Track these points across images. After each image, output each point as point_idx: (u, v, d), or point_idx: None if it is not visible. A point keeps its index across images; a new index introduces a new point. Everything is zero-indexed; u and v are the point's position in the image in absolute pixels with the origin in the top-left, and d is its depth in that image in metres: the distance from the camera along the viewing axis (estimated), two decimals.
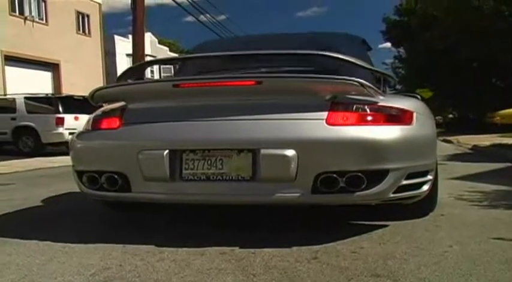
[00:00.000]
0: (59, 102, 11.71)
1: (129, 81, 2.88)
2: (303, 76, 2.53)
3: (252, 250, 2.42)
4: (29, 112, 11.76)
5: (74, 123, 11.69)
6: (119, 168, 2.59)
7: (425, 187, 2.78)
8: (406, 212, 3.02)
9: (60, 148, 12.13)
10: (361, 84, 2.46)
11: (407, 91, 28.71)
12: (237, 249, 2.46)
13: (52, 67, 21.74)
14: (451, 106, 31.00)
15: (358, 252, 2.36)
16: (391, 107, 2.61)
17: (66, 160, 10.47)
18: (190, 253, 2.41)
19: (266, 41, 3.87)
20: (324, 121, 2.44)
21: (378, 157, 2.44)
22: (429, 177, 2.81)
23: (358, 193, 2.43)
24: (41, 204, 4.14)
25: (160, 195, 2.58)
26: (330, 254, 2.35)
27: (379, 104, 2.57)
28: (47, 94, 12.65)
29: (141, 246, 2.53)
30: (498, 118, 19.01)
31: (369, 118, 2.50)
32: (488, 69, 21.31)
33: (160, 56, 35.03)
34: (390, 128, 2.51)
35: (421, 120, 2.76)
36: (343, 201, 2.52)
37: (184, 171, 2.51)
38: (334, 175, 2.40)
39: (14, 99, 12.03)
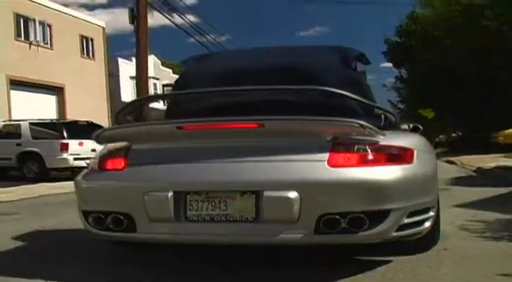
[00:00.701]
0: (63, 128, 11.83)
1: (134, 123, 2.95)
2: (304, 118, 2.58)
3: None
4: (34, 138, 11.87)
5: (79, 148, 11.80)
6: (125, 209, 2.63)
7: (427, 224, 2.80)
8: (409, 247, 3.03)
9: (65, 173, 12.21)
10: (362, 126, 2.51)
11: (409, 111, 28.75)
12: None
13: (57, 91, 21.96)
14: (454, 125, 31.04)
15: None
16: (391, 146, 2.65)
17: (70, 186, 10.48)
18: None
19: (254, 57, 3.92)
20: (326, 162, 2.49)
21: (379, 198, 2.48)
22: (431, 213, 2.84)
23: (360, 233, 2.47)
24: (44, 237, 4.17)
25: (166, 235, 2.62)
26: None
27: (380, 143, 2.61)
28: (51, 119, 12.78)
29: None
30: (502, 138, 18.94)
31: (370, 158, 2.54)
32: (490, 88, 21.41)
33: (163, 78, 35.34)
34: (391, 168, 2.55)
35: (422, 157, 2.79)
36: (345, 241, 2.55)
37: (188, 212, 2.55)
38: (337, 216, 2.43)
39: (19, 125, 12.17)
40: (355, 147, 2.56)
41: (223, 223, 2.52)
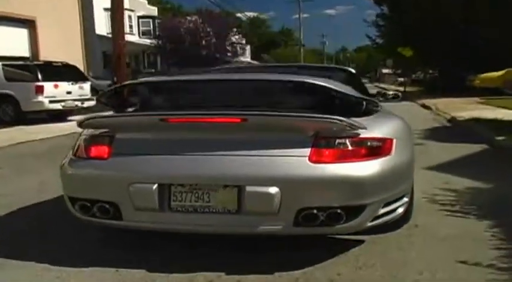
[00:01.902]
0: (37, 70, 11.49)
1: (118, 113, 2.94)
2: (287, 115, 2.62)
3: (238, 277, 2.59)
4: (7, 79, 11.53)
5: (54, 91, 11.58)
6: (110, 198, 2.69)
7: (401, 209, 2.95)
8: (381, 226, 3.17)
9: (41, 115, 12.04)
10: (343, 122, 2.56)
11: (388, 48, 28.16)
12: (223, 275, 2.62)
13: (28, 24, 20.99)
14: (431, 64, 31.13)
15: (335, 281, 2.55)
16: (371, 139, 2.72)
17: (47, 130, 10.50)
18: (180, 281, 2.57)
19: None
20: (307, 158, 2.56)
21: (357, 194, 2.59)
22: (405, 199, 2.98)
23: (337, 226, 2.60)
24: (30, 207, 4.16)
25: (151, 223, 2.71)
26: None
27: (360, 136, 2.67)
28: (25, 61, 12.33)
29: (133, 271, 2.68)
30: (478, 81, 19.28)
31: (350, 154, 2.62)
32: (475, 31, 21.22)
33: (138, 10, 34.08)
34: (370, 164, 2.63)
35: (400, 146, 2.88)
36: (323, 232, 2.69)
37: (172, 203, 2.63)
38: (315, 211, 2.54)
39: None
40: (336, 142, 2.62)
41: (206, 214, 2.61)
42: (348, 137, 2.65)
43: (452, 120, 10.91)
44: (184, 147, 2.66)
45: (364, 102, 3.09)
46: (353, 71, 4.62)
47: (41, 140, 9.18)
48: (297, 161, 2.55)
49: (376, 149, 2.72)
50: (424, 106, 15.97)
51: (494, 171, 5.40)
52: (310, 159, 2.56)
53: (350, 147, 2.63)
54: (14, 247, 3.16)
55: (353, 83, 4.42)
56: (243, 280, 2.58)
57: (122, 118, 2.83)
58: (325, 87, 2.87)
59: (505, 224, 3.43)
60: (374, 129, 2.82)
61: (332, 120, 2.57)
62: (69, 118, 12.82)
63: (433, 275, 2.61)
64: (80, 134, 2.97)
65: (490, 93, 17.22)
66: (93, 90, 13.98)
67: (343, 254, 2.90)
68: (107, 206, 2.70)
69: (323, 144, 2.60)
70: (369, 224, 2.72)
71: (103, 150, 2.75)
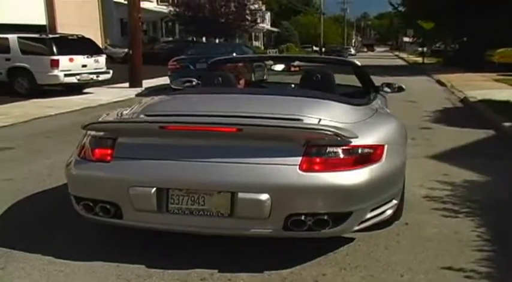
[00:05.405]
0: (53, 43, 11.62)
1: (119, 118, 3.08)
2: (280, 125, 2.73)
3: (229, 276, 2.77)
4: (23, 52, 11.69)
5: (69, 64, 11.73)
6: (112, 199, 2.86)
7: (389, 211, 3.07)
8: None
9: (56, 87, 12.25)
10: (336, 134, 2.67)
11: (408, 19, 27.49)
12: (216, 273, 2.81)
13: None
14: (453, 38, 30.49)
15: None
16: (362, 146, 2.81)
17: (61, 104, 10.71)
18: (175, 278, 2.76)
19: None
20: (297, 167, 2.67)
21: (344, 202, 2.71)
22: (394, 202, 3.10)
23: (324, 231, 2.74)
24: (39, 195, 4.33)
25: (149, 224, 2.88)
26: None
27: (352, 144, 2.77)
28: (40, 34, 12.44)
29: (132, 267, 2.87)
30: (496, 57, 18.96)
31: (340, 163, 2.71)
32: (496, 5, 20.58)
33: None
34: (359, 172, 2.72)
35: (391, 151, 2.96)
36: (310, 236, 2.83)
37: (170, 205, 2.79)
38: (303, 217, 2.68)
39: (7, 39, 11.88)
40: (327, 150, 2.72)
41: (201, 216, 2.76)
42: (339, 145, 2.74)
43: (465, 100, 10.82)
44: (182, 153, 2.79)
45: (360, 111, 3.20)
46: (359, 64, 4.72)
47: (55, 116, 9.39)
48: (288, 170, 2.67)
49: (367, 156, 2.81)
50: (439, 82, 15.81)
51: (496, 162, 5.45)
52: (300, 168, 2.67)
53: (341, 156, 2.73)
54: (21, 238, 3.35)
55: (358, 74, 4.56)
56: (234, 278, 2.76)
57: (124, 124, 2.97)
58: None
59: (492, 223, 3.54)
60: (366, 135, 2.89)
61: (323, 131, 2.67)
62: (85, 90, 13.06)
63: (413, 278, 2.75)
64: (85, 135, 3.12)
65: (508, 69, 16.98)
66: (110, 58, 14.14)
67: (332, 253, 3.04)
68: (108, 206, 2.86)
69: (314, 153, 2.70)
70: (356, 227, 2.85)
71: (106, 153, 2.89)
